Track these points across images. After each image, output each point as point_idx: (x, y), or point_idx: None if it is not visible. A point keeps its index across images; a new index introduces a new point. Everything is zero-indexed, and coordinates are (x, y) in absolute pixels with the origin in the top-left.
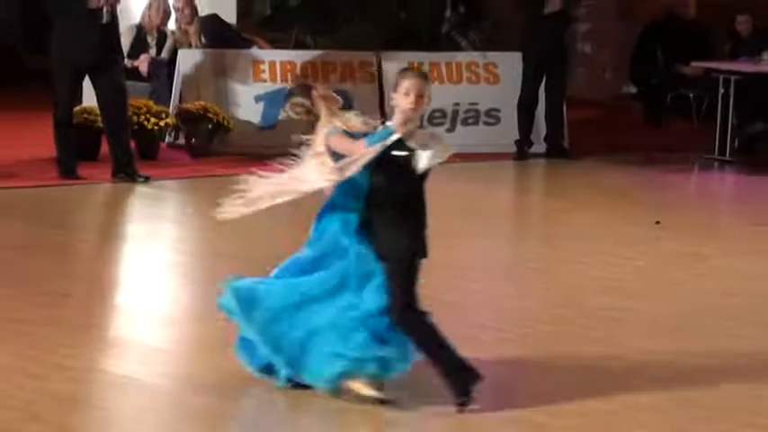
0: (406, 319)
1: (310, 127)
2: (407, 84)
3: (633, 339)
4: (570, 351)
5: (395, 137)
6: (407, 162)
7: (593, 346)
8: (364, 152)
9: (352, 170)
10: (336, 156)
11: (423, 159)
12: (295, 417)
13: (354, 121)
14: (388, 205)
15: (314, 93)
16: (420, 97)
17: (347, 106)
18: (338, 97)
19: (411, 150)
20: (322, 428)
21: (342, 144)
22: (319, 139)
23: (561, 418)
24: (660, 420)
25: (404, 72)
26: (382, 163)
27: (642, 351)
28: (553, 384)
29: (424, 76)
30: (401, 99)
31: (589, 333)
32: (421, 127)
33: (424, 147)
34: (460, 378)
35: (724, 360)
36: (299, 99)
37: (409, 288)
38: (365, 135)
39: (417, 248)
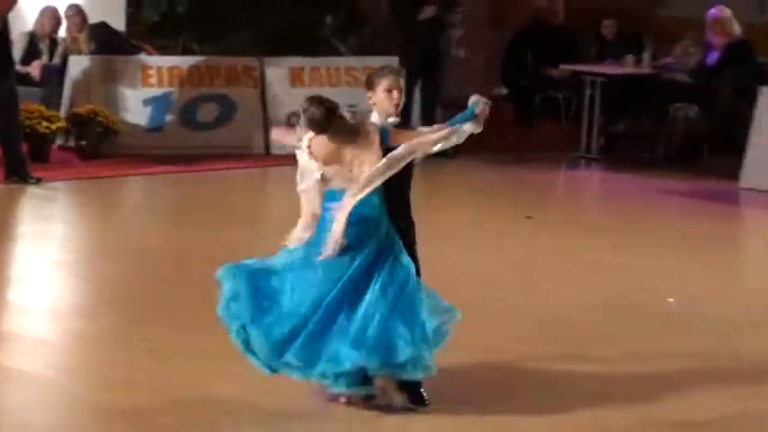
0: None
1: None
2: (388, 82)
3: (508, 329)
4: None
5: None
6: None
7: (469, 336)
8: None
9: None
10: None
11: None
12: (182, 404)
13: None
14: (399, 197)
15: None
16: (400, 92)
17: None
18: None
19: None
20: (210, 411)
21: (408, 134)
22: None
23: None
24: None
25: (382, 71)
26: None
27: (517, 339)
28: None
29: (398, 72)
30: (383, 96)
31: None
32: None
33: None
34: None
35: (589, 349)
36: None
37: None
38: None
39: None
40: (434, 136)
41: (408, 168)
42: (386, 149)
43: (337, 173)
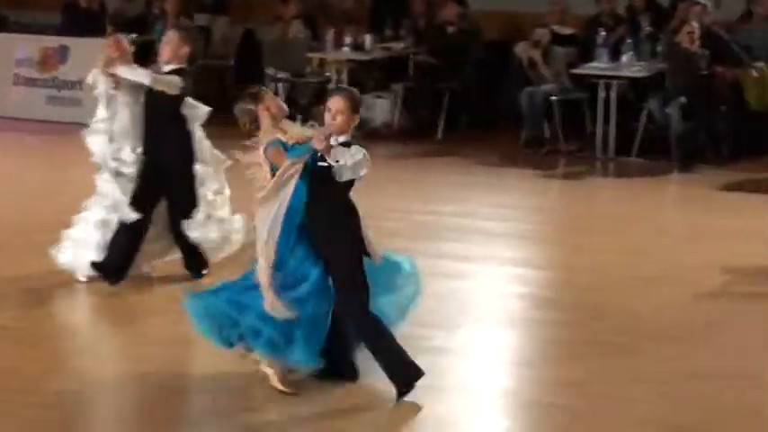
0: (366, 325)
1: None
2: (328, 102)
3: None
4: None
5: (311, 151)
6: (327, 174)
7: None
8: (286, 165)
9: (276, 187)
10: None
11: (344, 171)
12: None
13: (296, 130)
14: (324, 215)
15: (261, 102)
16: (339, 113)
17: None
18: (284, 107)
19: (329, 164)
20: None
21: (276, 158)
22: (260, 150)
23: None
24: None
25: (330, 91)
26: (312, 177)
27: None
28: None
29: (346, 94)
30: (325, 115)
31: None
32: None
33: (340, 160)
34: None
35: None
36: (247, 106)
37: (363, 293)
38: (292, 147)
39: (360, 252)
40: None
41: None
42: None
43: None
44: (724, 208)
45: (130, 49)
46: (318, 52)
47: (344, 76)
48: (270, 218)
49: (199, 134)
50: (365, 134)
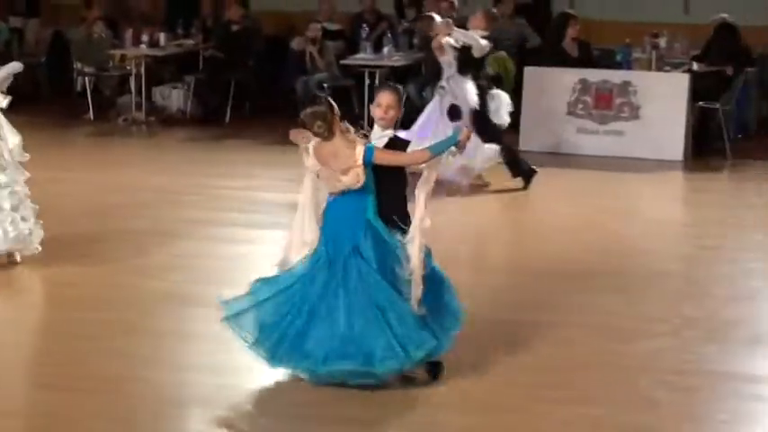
0: None
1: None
2: (379, 97)
3: None
4: None
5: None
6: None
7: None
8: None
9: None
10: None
11: None
12: None
13: (353, 135)
14: (395, 197)
15: (334, 109)
16: (390, 108)
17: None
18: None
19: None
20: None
21: (389, 156)
22: (350, 154)
23: None
24: None
25: (378, 86)
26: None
27: None
28: None
29: (395, 89)
30: (376, 110)
31: None
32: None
33: None
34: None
35: None
36: (323, 110)
37: None
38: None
39: None
40: (419, 159)
41: (401, 178)
42: (366, 166)
43: (327, 176)
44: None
45: None
46: (119, 49)
47: (143, 70)
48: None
49: None
50: (162, 120)
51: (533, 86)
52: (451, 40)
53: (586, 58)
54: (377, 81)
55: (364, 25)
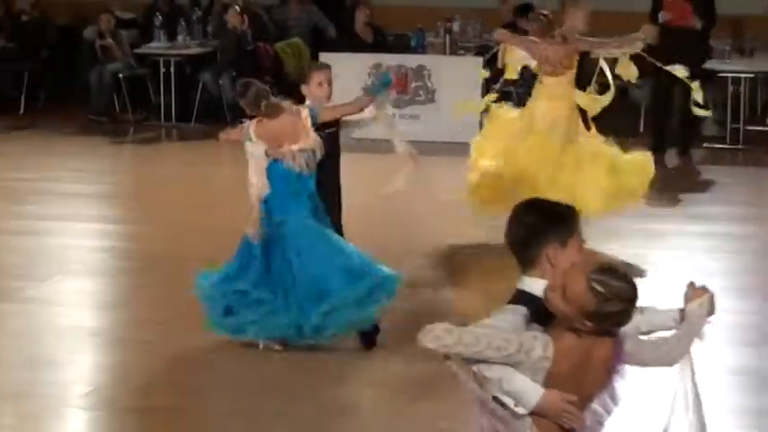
0: None
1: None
2: (318, 75)
3: None
4: None
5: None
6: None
7: None
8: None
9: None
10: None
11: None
12: None
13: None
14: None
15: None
16: (330, 85)
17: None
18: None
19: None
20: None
21: (333, 111)
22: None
23: None
24: None
25: (314, 65)
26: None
27: None
28: None
29: (329, 66)
30: (315, 89)
31: None
32: None
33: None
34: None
35: None
36: (264, 89)
37: None
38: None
39: None
40: (361, 104)
41: (336, 150)
42: (316, 127)
43: (283, 153)
44: None
45: None
46: None
47: None
48: None
49: None
50: None
51: None
52: None
53: (381, 44)
54: (171, 69)
55: (158, 14)
